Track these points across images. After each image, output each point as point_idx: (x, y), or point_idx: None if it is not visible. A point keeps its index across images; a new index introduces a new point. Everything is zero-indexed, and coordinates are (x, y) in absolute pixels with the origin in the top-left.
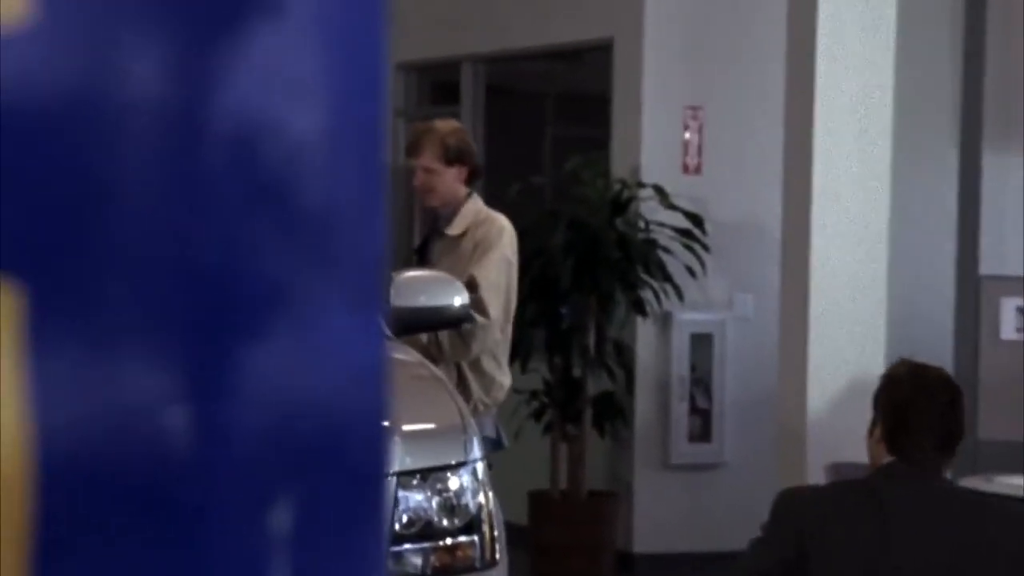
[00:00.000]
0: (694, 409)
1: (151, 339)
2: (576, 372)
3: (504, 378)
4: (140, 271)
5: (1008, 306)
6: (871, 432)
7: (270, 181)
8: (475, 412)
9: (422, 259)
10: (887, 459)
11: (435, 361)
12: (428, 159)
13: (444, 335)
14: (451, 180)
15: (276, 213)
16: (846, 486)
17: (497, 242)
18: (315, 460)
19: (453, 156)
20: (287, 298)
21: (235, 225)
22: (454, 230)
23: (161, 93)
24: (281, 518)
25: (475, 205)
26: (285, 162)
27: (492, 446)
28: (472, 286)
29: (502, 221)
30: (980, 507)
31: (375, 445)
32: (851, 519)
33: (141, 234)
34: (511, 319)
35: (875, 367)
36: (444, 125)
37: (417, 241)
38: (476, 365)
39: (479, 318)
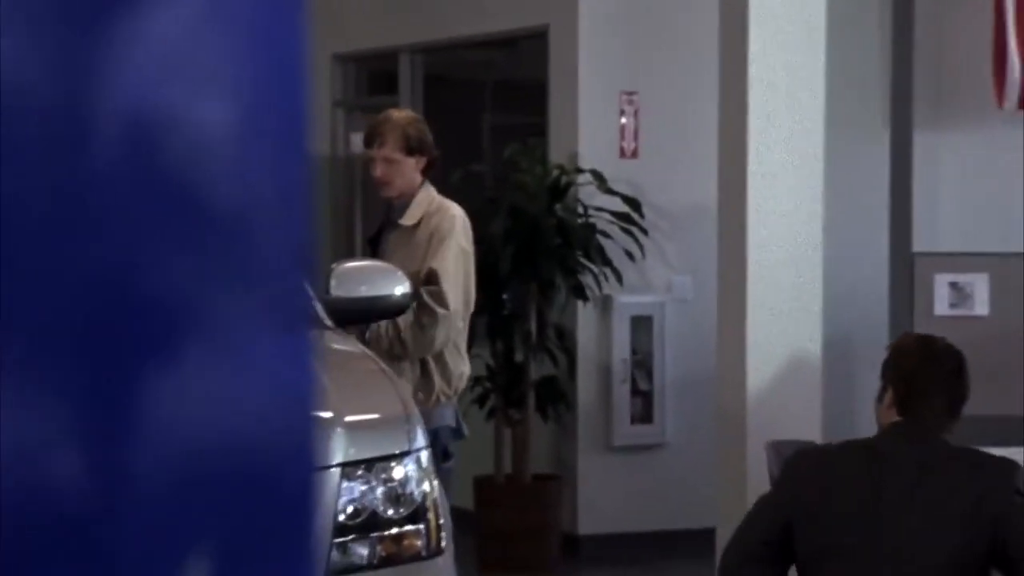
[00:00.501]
0: (635, 391)
1: (38, 366)
2: (518, 357)
3: (465, 367)
4: (23, 289)
5: (941, 282)
6: (880, 399)
7: (172, 182)
8: (437, 403)
9: (375, 250)
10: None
11: (399, 359)
12: (389, 149)
13: (407, 333)
14: (410, 171)
15: (181, 217)
16: (851, 444)
17: (452, 232)
18: (235, 501)
19: (414, 146)
20: (197, 315)
21: (132, 233)
22: (408, 220)
23: (43, 87)
24: (201, 565)
25: (428, 194)
26: (189, 160)
27: (453, 435)
28: (432, 278)
29: (455, 210)
30: (960, 458)
31: (303, 479)
32: (850, 471)
33: (22, 246)
34: (471, 308)
35: (812, 345)
36: (403, 115)
37: (363, 231)
38: (439, 356)
39: (440, 310)
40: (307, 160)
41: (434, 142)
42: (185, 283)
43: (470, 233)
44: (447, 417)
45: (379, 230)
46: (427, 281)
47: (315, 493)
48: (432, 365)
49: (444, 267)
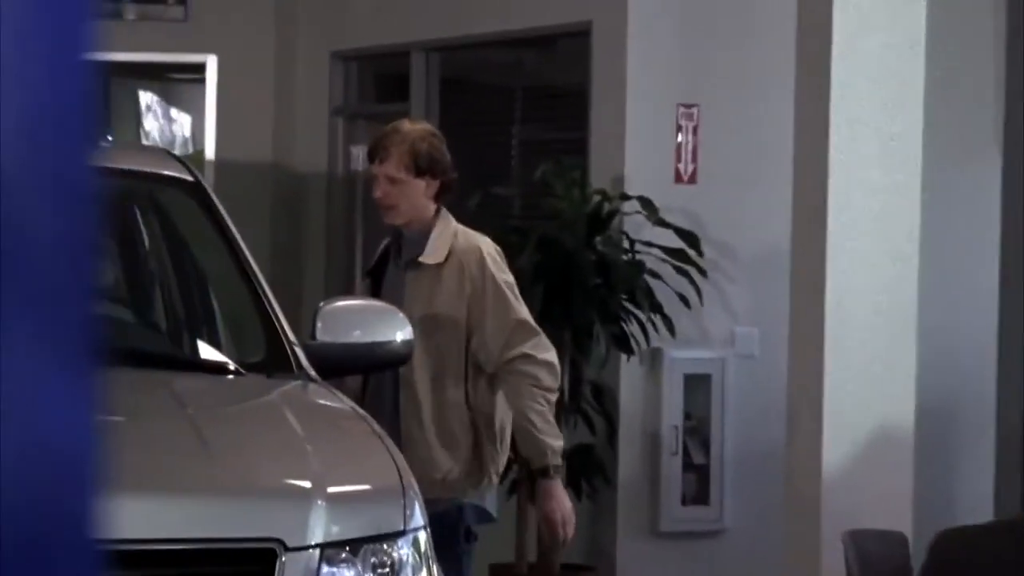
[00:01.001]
0: (689, 465)
1: None
2: None
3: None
4: None
5: None
6: None
7: None
8: (488, 483)
9: (376, 288)
10: None
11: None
12: (393, 167)
13: (542, 408)
14: (418, 194)
15: None
16: (999, 525)
17: (499, 273)
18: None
19: (424, 165)
20: None
21: None
22: (432, 257)
23: None
24: None
25: (448, 225)
26: None
27: (479, 515)
28: (527, 329)
29: (487, 246)
30: None
31: (82, 555)
32: (1001, 554)
33: None
34: None
35: (902, 415)
36: (415, 128)
37: (364, 265)
38: (501, 429)
39: (546, 356)
40: (89, 174)
41: (452, 162)
42: None
43: (504, 263)
44: (487, 500)
45: (379, 262)
46: (514, 337)
47: (94, 563)
48: (489, 433)
49: (523, 315)
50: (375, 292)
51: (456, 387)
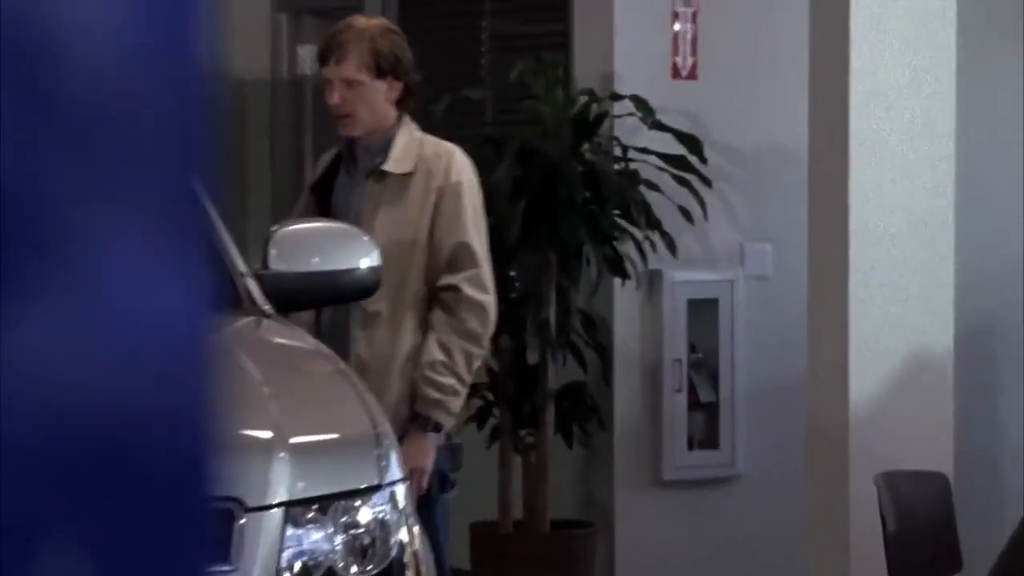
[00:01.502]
0: (695, 404)
1: None
2: (532, 358)
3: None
4: None
5: None
6: None
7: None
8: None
9: (323, 205)
10: None
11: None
12: (352, 68)
13: (459, 347)
14: (379, 99)
15: (45, 122)
16: None
17: (465, 186)
18: (105, 485)
19: (386, 65)
20: (59, 244)
21: None
22: (398, 166)
23: None
24: (54, 553)
25: (411, 133)
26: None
27: (449, 456)
28: (463, 258)
29: (459, 154)
30: None
31: (195, 466)
32: None
33: None
34: None
35: (941, 342)
36: (372, 23)
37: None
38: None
39: (482, 297)
40: (196, 61)
41: (414, 61)
42: (49, 203)
43: (478, 185)
44: (440, 459)
45: (326, 174)
46: (453, 262)
47: (208, 480)
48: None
49: (471, 239)
50: (322, 211)
51: (419, 313)
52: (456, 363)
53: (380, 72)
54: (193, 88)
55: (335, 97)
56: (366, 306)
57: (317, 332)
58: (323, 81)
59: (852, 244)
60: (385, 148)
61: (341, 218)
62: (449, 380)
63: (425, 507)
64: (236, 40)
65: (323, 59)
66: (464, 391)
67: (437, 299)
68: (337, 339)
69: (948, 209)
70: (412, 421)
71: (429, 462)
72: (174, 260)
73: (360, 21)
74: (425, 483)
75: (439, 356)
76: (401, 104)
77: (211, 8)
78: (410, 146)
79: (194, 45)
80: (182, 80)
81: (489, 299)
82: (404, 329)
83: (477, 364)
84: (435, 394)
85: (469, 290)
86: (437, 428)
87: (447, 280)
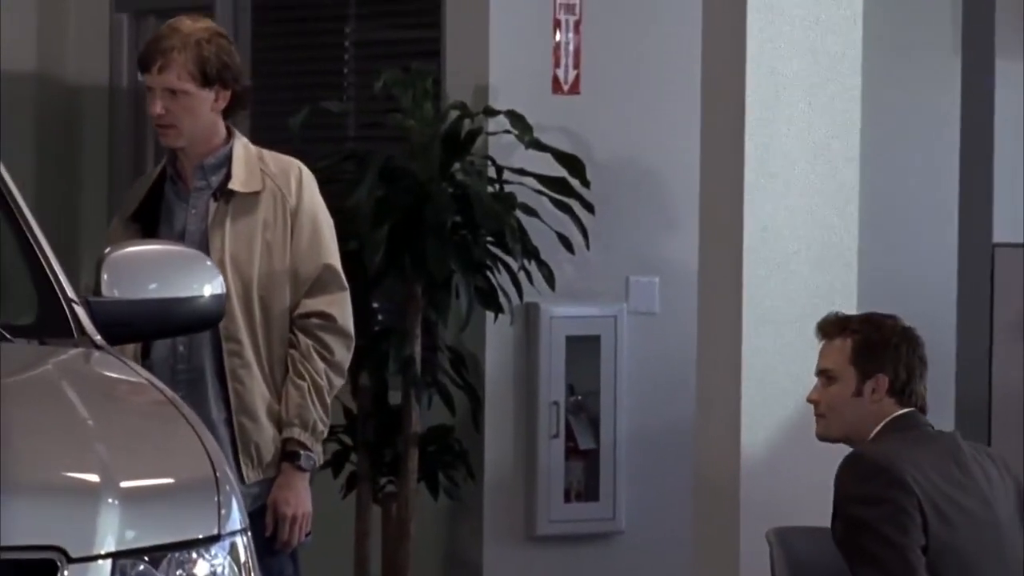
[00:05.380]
0: (573, 451)
1: None
2: (394, 398)
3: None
4: None
5: None
6: (859, 391)
7: None
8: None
9: (149, 234)
10: (897, 412)
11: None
12: (174, 76)
13: (324, 378)
14: (205, 110)
15: None
16: (914, 438)
17: (323, 207)
18: None
19: (212, 74)
20: None
21: None
22: (246, 185)
23: None
24: None
25: (250, 147)
26: None
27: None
28: (333, 280)
29: (306, 169)
30: (978, 448)
31: None
32: (939, 470)
33: None
34: None
35: None
36: (197, 26)
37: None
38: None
39: (347, 325)
40: None
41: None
42: None
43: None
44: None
45: (148, 200)
46: (319, 286)
47: None
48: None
49: (335, 261)
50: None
51: (283, 346)
52: (323, 395)
53: (206, 81)
54: None
55: (157, 107)
56: (225, 339)
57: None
58: (145, 89)
59: (746, 277)
60: (222, 165)
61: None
62: (319, 412)
63: (272, 557)
64: (71, 42)
65: (144, 66)
66: (326, 418)
67: (299, 326)
68: (192, 375)
69: (852, 244)
70: (286, 460)
71: (309, 504)
72: None
73: (185, 24)
74: (308, 527)
75: (307, 387)
76: (229, 113)
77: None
78: (251, 162)
79: None
80: None
81: (351, 325)
82: (268, 361)
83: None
84: (308, 427)
85: (338, 317)
86: (310, 463)
87: (313, 306)
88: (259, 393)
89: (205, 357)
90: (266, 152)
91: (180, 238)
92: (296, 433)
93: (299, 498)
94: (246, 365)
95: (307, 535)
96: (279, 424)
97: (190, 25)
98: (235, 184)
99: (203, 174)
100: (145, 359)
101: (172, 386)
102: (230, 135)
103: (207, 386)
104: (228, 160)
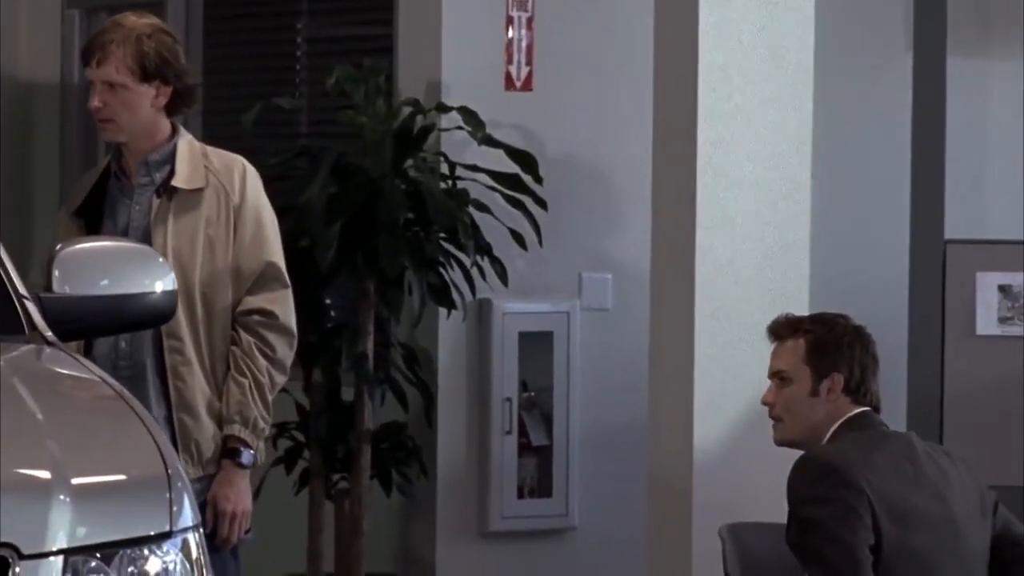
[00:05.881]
0: (526, 447)
1: None
2: (347, 394)
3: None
4: None
5: (987, 284)
6: (815, 391)
7: None
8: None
9: (92, 230)
10: (852, 411)
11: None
12: (112, 70)
13: (266, 375)
14: (144, 105)
15: None
16: (868, 438)
17: (267, 203)
18: None
19: (151, 68)
20: None
21: None
22: (189, 182)
23: None
24: None
25: (195, 144)
26: None
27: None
28: (275, 277)
29: (249, 166)
30: (933, 448)
31: None
32: (894, 470)
33: None
34: None
35: None
36: (140, 22)
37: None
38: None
39: (290, 322)
40: None
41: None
42: None
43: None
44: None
45: (92, 195)
46: (261, 283)
47: None
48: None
49: (278, 258)
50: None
51: (225, 343)
52: (264, 392)
53: (146, 75)
54: None
55: (95, 100)
56: (166, 335)
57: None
58: (87, 83)
59: (699, 274)
60: (166, 161)
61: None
62: (260, 410)
63: (214, 554)
64: (22, 38)
65: (85, 60)
66: (267, 415)
67: (241, 323)
68: (134, 371)
69: (803, 241)
70: (225, 456)
71: (249, 501)
72: None
73: (128, 20)
74: (247, 525)
75: (248, 384)
76: (171, 110)
77: None
78: (195, 159)
79: None
80: None
81: (293, 322)
82: (210, 358)
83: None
84: (249, 424)
85: (281, 314)
86: (248, 458)
87: (255, 303)
88: (199, 390)
89: (146, 354)
90: (210, 149)
91: (123, 234)
92: (236, 430)
93: (239, 495)
94: (187, 363)
95: (247, 532)
96: (220, 421)
97: (133, 20)
98: (178, 181)
99: (147, 170)
100: (87, 354)
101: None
102: (175, 132)
103: (148, 383)
104: (172, 156)
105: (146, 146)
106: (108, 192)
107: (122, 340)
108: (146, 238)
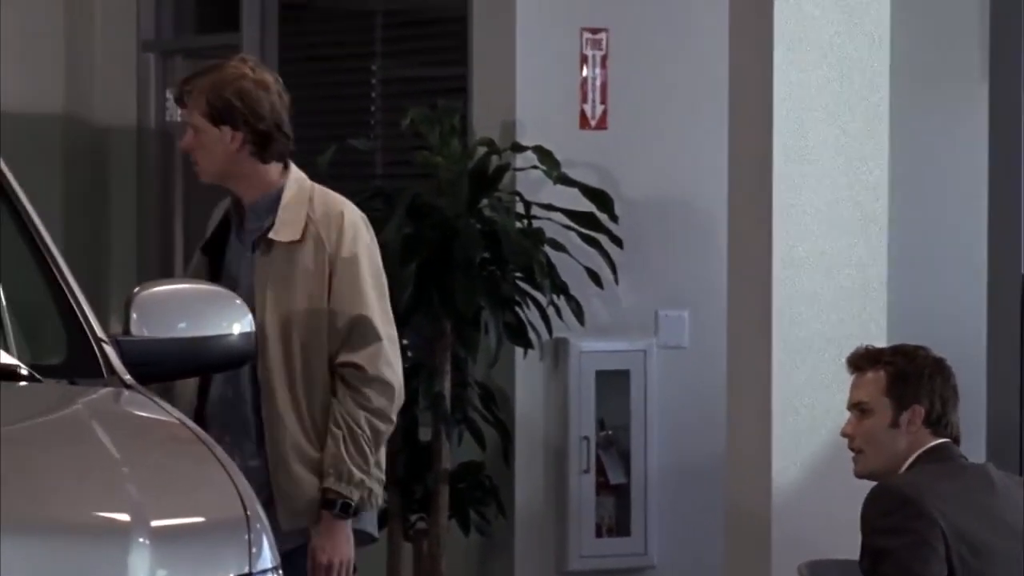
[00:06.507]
0: (604, 486)
1: None
2: (425, 434)
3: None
4: None
5: None
6: (895, 423)
7: None
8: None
9: (214, 269)
10: (932, 443)
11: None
12: (189, 113)
13: (364, 433)
14: (219, 147)
15: None
16: (945, 470)
17: (366, 253)
18: None
19: (217, 114)
20: None
21: None
22: (285, 233)
23: None
24: None
25: (304, 188)
26: None
27: (362, 538)
28: (367, 331)
29: (350, 208)
30: (1009, 478)
31: None
32: (969, 502)
33: None
34: None
35: None
36: (231, 66)
37: (186, 240)
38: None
39: (384, 373)
40: None
41: (294, 103)
42: None
43: (374, 241)
44: (365, 520)
45: (217, 235)
46: (353, 337)
47: None
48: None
49: (371, 312)
50: (213, 275)
51: (325, 395)
52: (360, 442)
53: (215, 119)
54: None
55: (183, 141)
56: (264, 384)
57: (201, 408)
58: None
59: (775, 312)
60: (270, 209)
61: (230, 286)
62: (358, 461)
63: None
64: (97, 83)
65: (177, 101)
66: (374, 469)
67: (338, 374)
68: (231, 415)
69: (880, 275)
70: (324, 508)
71: (350, 550)
72: None
73: (223, 64)
74: (348, 574)
75: (342, 436)
76: (267, 156)
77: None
78: (297, 206)
79: None
80: None
81: (393, 373)
82: (308, 409)
83: (385, 439)
84: (343, 477)
85: (370, 368)
86: (348, 511)
87: (347, 357)
88: (291, 444)
89: (247, 404)
90: (319, 191)
91: (237, 284)
92: (331, 483)
93: (335, 546)
94: (279, 416)
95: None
96: (320, 472)
97: (226, 66)
98: (275, 233)
99: (255, 217)
100: (200, 404)
101: (221, 429)
102: (283, 176)
103: (249, 433)
104: (275, 204)
105: (245, 190)
106: (230, 234)
107: (229, 389)
108: (250, 287)
